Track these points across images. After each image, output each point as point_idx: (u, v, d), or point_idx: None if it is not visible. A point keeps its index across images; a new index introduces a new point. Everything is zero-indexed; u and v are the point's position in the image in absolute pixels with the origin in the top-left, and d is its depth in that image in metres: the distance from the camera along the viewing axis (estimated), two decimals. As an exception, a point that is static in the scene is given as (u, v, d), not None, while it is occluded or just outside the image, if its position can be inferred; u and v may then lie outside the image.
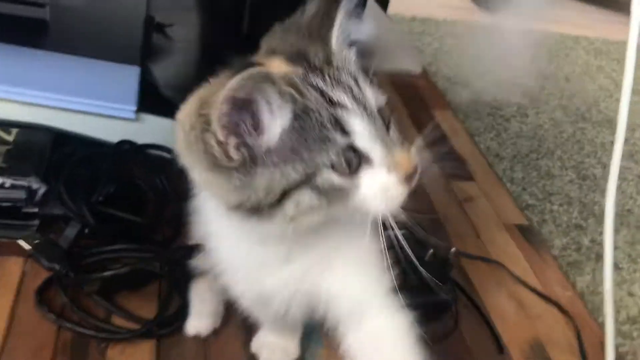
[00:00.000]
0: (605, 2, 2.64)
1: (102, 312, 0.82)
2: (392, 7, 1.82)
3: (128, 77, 1.11)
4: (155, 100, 1.09)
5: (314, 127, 0.53)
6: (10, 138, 0.98)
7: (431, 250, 0.89)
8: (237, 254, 0.66)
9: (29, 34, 1.13)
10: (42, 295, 0.82)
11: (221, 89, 0.50)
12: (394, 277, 0.66)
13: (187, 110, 0.55)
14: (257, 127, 0.53)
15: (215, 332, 0.82)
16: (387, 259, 0.63)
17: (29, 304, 0.81)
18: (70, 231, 0.89)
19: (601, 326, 0.96)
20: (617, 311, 1.02)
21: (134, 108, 1.05)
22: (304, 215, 0.55)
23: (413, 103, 1.55)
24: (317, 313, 0.68)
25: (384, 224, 0.57)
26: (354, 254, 0.66)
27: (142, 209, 0.97)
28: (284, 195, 0.54)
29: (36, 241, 0.87)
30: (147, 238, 0.94)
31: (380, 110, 0.57)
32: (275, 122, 0.53)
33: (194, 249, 0.82)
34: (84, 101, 1.02)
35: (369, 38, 0.64)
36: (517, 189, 1.30)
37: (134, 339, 0.79)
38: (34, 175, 0.91)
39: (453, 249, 0.94)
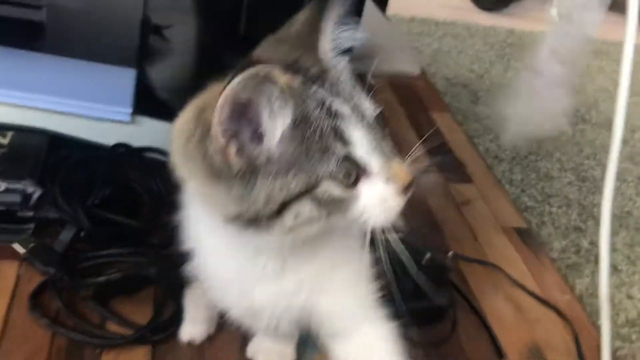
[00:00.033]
0: (605, 2, 2.63)
1: (97, 317, 0.81)
2: (392, 8, 1.81)
3: (124, 79, 1.10)
4: (151, 102, 1.09)
5: (314, 136, 0.52)
6: (5, 141, 0.97)
7: (428, 254, 0.88)
8: (228, 268, 0.65)
9: (25, 36, 1.13)
10: (37, 300, 0.81)
11: (221, 94, 0.49)
12: (384, 287, 0.65)
13: (184, 118, 0.55)
14: (257, 130, 0.52)
15: (210, 338, 0.81)
16: (381, 268, 0.62)
17: (24, 308, 0.80)
18: (66, 235, 0.89)
19: (599, 329, 0.96)
20: (616, 314, 1.02)
21: (130, 111, 1.04)
22: (302, 226, 0.55)
23: (411, 104, 1.54)
24: (307, 326, 0.68)
25: (380, 233, 0.56)
26: (347, 268, 0.65)
27: (138, 212, 0.97)
28: (284, 206, 0.53)
29: (31, 245, 0.87)
30: (143, 241, 0.93)
31: (376, 121, 0.56)
32: (276, 124, 0.52)
33: (188, 254, 0.82)
34: (79, 104, 1.02)
35: (364, 42, 0.63)
36: (516, 191, 1.30)
37: (129, 345, 0.78)
38: (29, 178, 0.90)
39: (450, 253, 0.94)
